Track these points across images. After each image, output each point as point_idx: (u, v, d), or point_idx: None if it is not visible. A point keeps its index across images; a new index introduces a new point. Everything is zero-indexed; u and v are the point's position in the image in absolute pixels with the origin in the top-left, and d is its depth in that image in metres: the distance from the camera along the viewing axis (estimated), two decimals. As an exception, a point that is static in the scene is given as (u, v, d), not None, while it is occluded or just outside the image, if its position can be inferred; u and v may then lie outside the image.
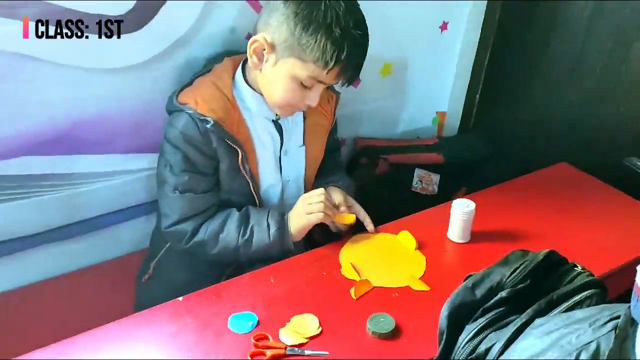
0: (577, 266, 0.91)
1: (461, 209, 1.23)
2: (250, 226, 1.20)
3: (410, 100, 1.73)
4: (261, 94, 1.20)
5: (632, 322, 0.68)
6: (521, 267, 0.88)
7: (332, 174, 1.37)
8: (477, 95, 1.86)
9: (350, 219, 1.24)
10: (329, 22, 1.07)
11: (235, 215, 1.21)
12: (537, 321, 0.79)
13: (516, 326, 0.79)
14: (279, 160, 1.28)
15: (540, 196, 1.44)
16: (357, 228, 1.28)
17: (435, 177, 1.71)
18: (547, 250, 0.91)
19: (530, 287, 0.87)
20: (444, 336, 0.87)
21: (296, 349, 0.99)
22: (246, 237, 1.19)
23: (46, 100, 1.13)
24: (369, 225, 1.27)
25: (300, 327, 1.02)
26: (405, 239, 1.25)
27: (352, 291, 1.11)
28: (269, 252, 1.21)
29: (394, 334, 1.02)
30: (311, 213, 1.19)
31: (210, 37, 1.24)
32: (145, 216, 1.39)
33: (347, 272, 1.16)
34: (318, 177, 1.36)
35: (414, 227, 1.28)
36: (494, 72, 1.82)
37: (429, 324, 0.96)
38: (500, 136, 1.83)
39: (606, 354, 0.67)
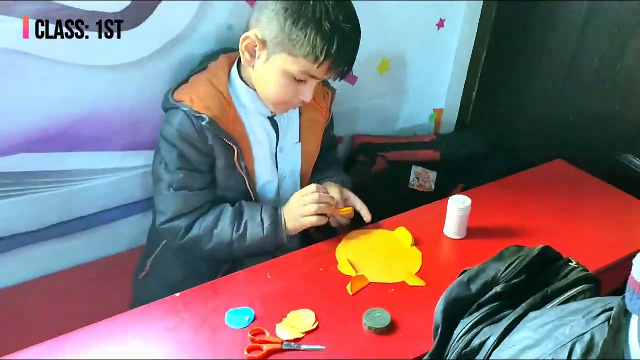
0: (571, 261, 0.91)
1: (457, 205, 1.24)
2: (244, 221, 1.20)
3: (407, 97, 1.73)
4: (256, 91, 1.20)
5: (625, 312, 0.68)
6: (516, 262, 0.89)
7: (328, 170, 1.37)
8: (474, 92, 1.86)
9: (347, 211, 1.25)
10: (318, 16, 1.07)
11: (228, 210, 1.21)
12: (531, 314, 0.79)
13: (510, 320, 0.79)
14: (274, 156, 1.28)
15: (536, 193, 1.44)
16: (355, 221, 1.28)
17: (432, 174, 1.71)
18: (542, 245, 0.91)
19: (525, 282, 0.87)
20: (439, 330, 0.87)
21: (292, 343, 0.99)
22: (240, 232, 1.20)
23: (42, 97, 1.13)
24: (366, 216, 1.26)
25: (296, 322, 1.03)
26: (402, 235, 1.26)
27: (348, 287, 1.11)
28: (263, 246, 1.21)
29: (390, 328, 1.02)
30: (305, 216, 1.20)
31: (207, 35, 1.24)
32: (141, 213, 1.39)
33: (344, 267, 1.17)
34: (314, 173, 1.37)
35: (410, 223, 1.29)
36: (491, 69, 1.83)
37: (424, 318, 0.97)
38: (496, 133, 1.84)
39: (600, 344, 0.67)
